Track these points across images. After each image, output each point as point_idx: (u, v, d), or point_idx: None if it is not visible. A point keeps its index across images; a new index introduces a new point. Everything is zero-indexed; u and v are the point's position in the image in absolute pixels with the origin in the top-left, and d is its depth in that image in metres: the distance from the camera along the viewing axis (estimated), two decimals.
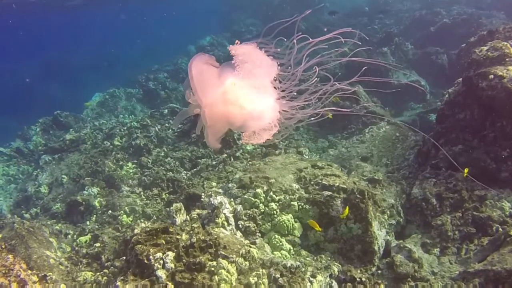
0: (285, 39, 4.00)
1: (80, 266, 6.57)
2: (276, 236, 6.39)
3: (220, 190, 7.31)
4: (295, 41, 3.94)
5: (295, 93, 4.17)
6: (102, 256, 6.64)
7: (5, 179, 12.96)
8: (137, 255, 5.39)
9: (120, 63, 31.62)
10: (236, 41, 3.71)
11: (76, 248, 7.26)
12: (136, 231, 6.25)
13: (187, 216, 6.46)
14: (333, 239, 6.41)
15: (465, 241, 6.67)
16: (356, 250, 6.31)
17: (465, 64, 8.10)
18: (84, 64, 34.50)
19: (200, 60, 3.57)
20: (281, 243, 6.31)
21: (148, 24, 52.02)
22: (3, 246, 5.00)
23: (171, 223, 6.33)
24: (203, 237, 5.51)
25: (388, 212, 7.06)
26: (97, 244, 7.16)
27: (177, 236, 5.66)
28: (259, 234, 6.40)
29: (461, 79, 8.27)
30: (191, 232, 5.84)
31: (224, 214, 6.14)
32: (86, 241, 7.62)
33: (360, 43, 4.14)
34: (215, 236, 5.54)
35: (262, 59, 3.84)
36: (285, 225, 6.44)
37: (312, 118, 4.38)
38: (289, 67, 3.98)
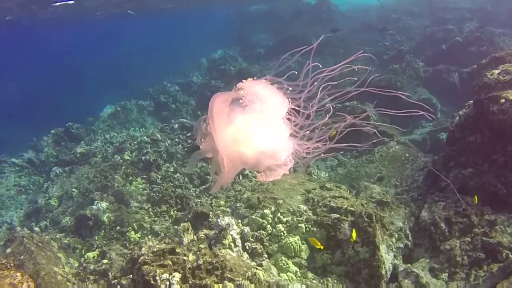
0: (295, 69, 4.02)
1: (87, 283, 6.60)
2: (283, 258, 6.38)
3: (228, 210, 7.34)
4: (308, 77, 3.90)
5: (309, 124, 4.18)
6: (109, 273, 6.66)
7: (16, 189, 13.12)
8: (143, 275, 5.42)
9: (132, 73, 31.95)
10: (248, 79, 3.58)
11: (84, 264, 7.29)
12: (143, 250, 6.26)
13: (195, 236, 6.47)
14: (340, 262, 6.38)
15: (474, 267, 6.58)
16: (363, 274, 6.27)
17: (476, 87, 8.07)
18: (97, 74, 34.97)
19: (218, 104, 3.43)
20: (287, 265, 6.29)
21: (161, 35, 52.71)
22: (12, 264, 5.05)
23: (178, 242, 6.35)
24: (209, 259, 5.52)
25: (396, 235, 7.01)
26: (105, 261, 7.20)
27: (184, 257, 5.68)
28: (266, 256, 6.39)
29: (472, 101, 8.24)
30: (198, 253, 5.86)
31: (231, 235, 6.15)
32: (94, 256, 7.67)
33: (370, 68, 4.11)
34: (222, 258, 5.54)
35: (272, 97, 3.79)
36: (292, 247, 6.43)
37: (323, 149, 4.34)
38: (302, 96, 4.01)
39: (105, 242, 8.23)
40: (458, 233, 6.99)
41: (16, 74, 41.02)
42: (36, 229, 9.65)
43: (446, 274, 6.64)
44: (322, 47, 21.95)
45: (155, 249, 5.69)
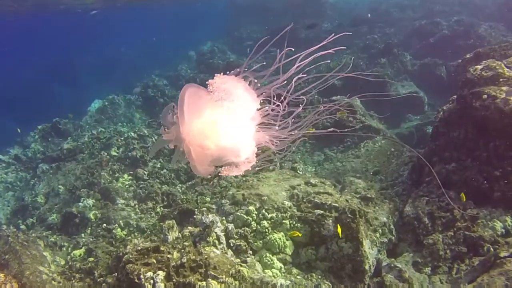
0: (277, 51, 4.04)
1: (73, 282, 6.60)
2: (268, 254, 6.42)
3: (214, 206, 7.36)
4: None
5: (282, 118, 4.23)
6: (95, 272, 6.68)
7: (3, 186, 13.01)
8: (128, 274, 5.44)
9: (122, 66, 31.68)
10: (219, 74, 3.63)
11: (70, 262, 7.30)
12: (128, 247, 6.27)
13: (180, 234, 6.50)
14: (324, 258, 6.44)
15: (456, 261, 6.68)
16: (347, 269, 6.34)
17: (460, 83, 8.14)
18: (86, 67, 34.58)
19: (189, 95, 3.44)
20: (272, 262, 6.35)
21: (150, 26, 52.20)
22: None
23: (163, 240, 6.37)
24: (193, 257, 5.55)
25: (380, 230, 7.09)
26: (91, 259, 7.20)
27: (168, 255, 5.70)
28: (251, 252, 6.44)
29: (455, 96, 8.31)
30: (183, 250, 5.89)
31: (216, 233, 6.18)
32: (80, 254, 7.67)
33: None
34: (206, 256, 5.58)
35: (241, 94, 3.81)
36: (276, 243, 6.48)
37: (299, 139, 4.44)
38: (279, 86, 4.08)
39: (91, 239, 8.22)
40: (441, 227, 7.09)
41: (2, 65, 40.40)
42: (23, 227, 9.60)
43: (429, 268, 6.74)
44: (310, 40, 21.91)
45: (139, 248, 5.71)
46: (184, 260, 5.48)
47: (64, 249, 8.26)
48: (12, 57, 44.17)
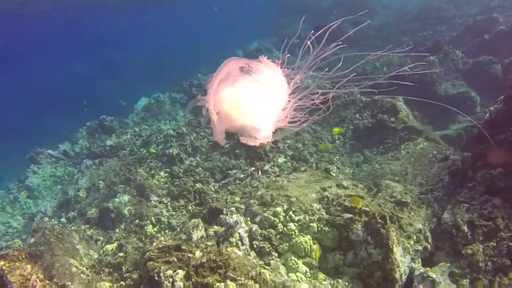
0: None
1: (102, 275, 6.75)
2: (293, 257, 6.26)
3: (242, 206, 7.27)
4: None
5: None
6: (123, 267, 6.79)
7: (52, 180, 13.67)
8: (148, 271, 5.48)
9: (171, 64, 32.40)
10: (264, 56, 4.31)
11: (102, 256, 7.48)
12: (154, 244, 6.34)
13: (204, 233, 6.47)
14: (352, 264, 6.19)
15: (498, 274, 6.20)
16: (376, 277, 6.04)
17: (509, 81, 7.55)
18: (136, 65, 35.67)
19: (229, 65, 4.08)
20: (297, 265, 6.17)
21: (199, 25, 53.15)
22: (24, 256, 5.23)
23: (187, 238, 6.37)
24: (214, 257, 5.49)
25: (415, 237, 6.70)
26: (121, 254, 7.34)
27: (189, 254, 5.69)
28: (276, 255, 6.30)
29: (503, 96, 7.73)
30: (205, 250, 5.86)
31: (239, 233, 6.10)
32: (112, 249, 7.84)
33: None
34: (226, 257, 5.50)
35: (277, 82, 4.43)
36: (302, 246, 6.30)
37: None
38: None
39: (124, 235, 8.40)
40: (482, 237, 6.59)
41: (57, 62, 42.44)
42: (63, 220, 10.01)
43: (468, 280, 6.28)
44: (358, 39, 21.36)
45: (161, 246, 5.73)
46: (204, 260, 5.43)
47: (99, 243, 8.50)
48: (64, 54, 46.20)
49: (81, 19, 37.04)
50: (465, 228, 6.69)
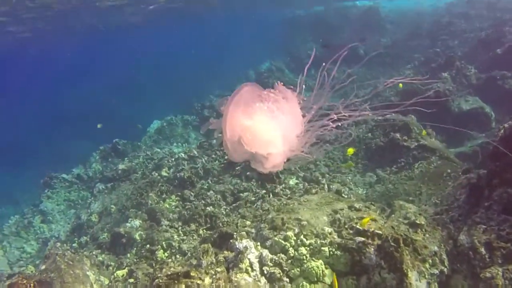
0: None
1: None
2: (305, 282, 6.12)
3: (253, 230, 7.17)
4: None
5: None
6: None
7: (66, 204, 13.76)
8: None
9: (181, 85, 32.71)
10: (279, 82, 4.44)
11: (111, 283, 7.42)
12: (164, 271, 6.26)
13: (214, 258, 6.38)
14: None
15: None
16: None
17: None
18: (150, 85, 36.10)
19: (248, 89, 4.27)
20: None
21: (210, 45, 53.73)
22: (32, 285, 5.20)
23: (197, 264, 6.28)
24: (223, 284, 5.41)
25: (430, 260, 6.50)
26: (131, 280, 7.27)
27: (198, 282, 5.60)
28: (287, 280, 6.16)
29: None
30: (214, 276, 5.77)
31: (249, 259, 5.99)
32: (123, 275, 7.77)
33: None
34: (235, 284, 5.43)
35: (292, 111, 4.46)
36: (314, 271, 6.15)
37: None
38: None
39: (135, 260, 8.35)
40: (500, 259, 6.37)
41: (72, 86, 43.24)
42: (75, 245, 10.02)
43: None
44: (369, 56, 21.32)
45: (169, 272, 5.66)
46: (213, 287, 5.34)
47: (111, 268, 8.45)
48: (80, 77, 47.12)
49: (90, 43, 37.88)
50: (482, 250, 6.48)
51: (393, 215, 7.50)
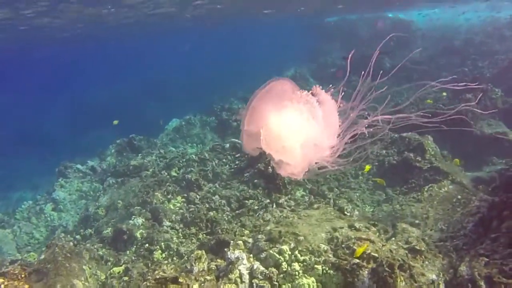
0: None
1: None
2: None
3: (250, 240, 7.11)
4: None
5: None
6: None
7: (78, 194, 13.97)
8: None
9: (208, 87, 32.95)
10: (318, 86, 4.25)
11: (107, 279, 7.48)
12: (155, 273, 6.27)
13: (206, 266, 6.34)
14: None
15: None
16: None
17: None
18: (176, 87, 36.59)
19: (282, 84, 4.05)
20: None
21: (240, 49, 54.09)
22: (23, 275, 5.28)
23: (189, 270, 6.26)
24: None
25: None
26: (125, 278, 7.32)
27: None
28: None
29: None
30: (203, 284, 5.74)
31: (239, 270, 5.94)
32: (119, 272, 7.83)
33: None
34: None
35: (326, 120, 4.28)
36: None
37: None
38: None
39: (133, 258, 8.40)
40: None
41: (102, 84, 44.39)
42: (78, 237, 10.15)
43: None
44: (396, 71, 20.98)
45: (157, 277, 5.65)
46: None
47: (109, 263, 8.52)
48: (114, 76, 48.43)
49: (123, 44, 38.78)
50: (482, 284, 6.24)
51: (393, 238, 7.31)
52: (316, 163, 4.44)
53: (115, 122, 15.73)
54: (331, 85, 4.54)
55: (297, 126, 4.12)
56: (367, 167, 10.74)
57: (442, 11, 37.94)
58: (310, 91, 4.29)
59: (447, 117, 4.64)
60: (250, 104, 4.01)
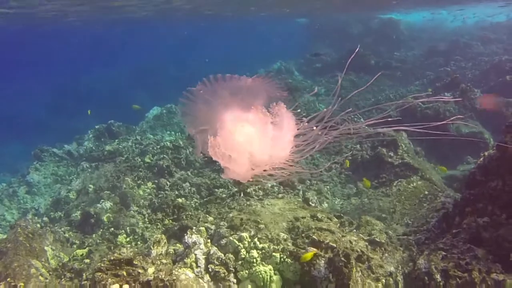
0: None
1: (62, 280, 6.69)
2: (250, 286, 6.04)
3: (213, 227, 7.10)
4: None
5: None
6: (84, 274, 6.72)
7: (53, 178, 13.84)
8: (95, 282, 5.37)
9: (194, 78, 32.75)
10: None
11: (71, 260, 7.44)
12: (108, 256, 6.23)
13: (165, 250, 6.33)
14: None
15: None
16: None
17: (504, 127, 7.22)
18: (166, 77, 36.40)
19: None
20: None
21: (226, 42, 53.98)
22: None
23: (146, 253, 6.24)
24: (162, 276, 5.36)
25: (384, 280, 6.37)
26: (87, 261, 7.27)
27: (140, 270, 5.55)
28: (234, 281, 6.09)
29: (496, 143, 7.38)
30: (158, 267, 5.72)
31: (195, 254, 5.93)
32: (82, 254, 7.78)
33: None
34: (174, 278, 5.36)
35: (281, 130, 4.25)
36: (261, 276, 6.06)
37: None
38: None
39: (98, 241, 8.35)
40: None
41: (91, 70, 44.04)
42: (46, 219, 10.06)
43: None
44: (379, 68, 21.11)
45: (112, 258, 5.62)
46: (151, 278, 5.30)
47: (75, 246, 8.47)
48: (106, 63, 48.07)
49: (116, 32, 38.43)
50: (438, 277, 6.30)
51: (355, 230, 7.36)
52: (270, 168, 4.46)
53: (89, 112, 15.64)
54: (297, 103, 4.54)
55: (248, 136, 4.16)
56: (367, 182, 10.35)
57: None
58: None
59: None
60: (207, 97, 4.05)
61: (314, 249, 6.04)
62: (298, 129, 4.42)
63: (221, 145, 4.02)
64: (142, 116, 19.13)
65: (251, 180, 4.42)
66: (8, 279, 5.97)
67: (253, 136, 4.15)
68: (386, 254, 6.80)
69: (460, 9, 30.11)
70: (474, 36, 25.05)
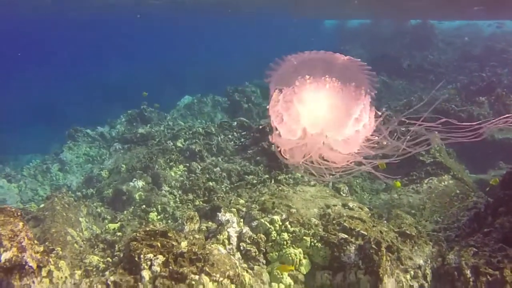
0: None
1: (95, 250, 6.91)
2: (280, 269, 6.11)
3: (244, 209, 7.21)
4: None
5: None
6: (116, 245, 6.91)
7: (85, 158, 14.22)
8: (130, 251, 5.53)
9: (227, 72, 33.06)
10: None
11: (103, 233, 7.66)
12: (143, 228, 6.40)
13: (197, 227, 6.47)
14: (339, 286, 5.95)
15: None
16: None
17: None
18: (195, 73, 36.80)
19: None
20: (281, 276, 6.01)
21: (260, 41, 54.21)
22: (19, 213, 5.44)
23: (179, 229, 6.39)
24: (196, 249, 5.48)
25: (412, 272, 6.36)
26: (119, 233, 7.47)
27: (174, 242, 5.69)
28: (264, 261, 6.18)
29: None
30: (191, 242, 5.85)
31: (228, 232, 6.04)
32: (114, 228, 8.01)
33: None
34: (207, 252, 5.47)
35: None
36: (291, 258, 6.14)
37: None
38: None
39: (129, 217, 8.57)
40: (485, 286, 6.14)
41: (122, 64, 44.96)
42: (79, 193, 10.37)
43: None
44: (412, 71, 20.89)
45: (148, 229, 5.78)
46: (185, 250, 5.43)
47: (106, 221, 8.71)
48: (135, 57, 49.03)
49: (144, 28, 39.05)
50: (468, 272, 6.25)
51: (385, 222, 7.35)
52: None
53: (145, 93, 16.05)
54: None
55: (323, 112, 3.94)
56: (397, 183, 10.10)
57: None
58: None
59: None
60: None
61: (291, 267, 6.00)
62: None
63: (283, 105, 3.93)
64: (173, 105, 19.41)
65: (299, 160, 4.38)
66: (47, 242, 6.20)
67: (328, 115, 3.93)
68: (416, 247, 6.77)
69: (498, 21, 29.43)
70: (511, 43, 24.46)
